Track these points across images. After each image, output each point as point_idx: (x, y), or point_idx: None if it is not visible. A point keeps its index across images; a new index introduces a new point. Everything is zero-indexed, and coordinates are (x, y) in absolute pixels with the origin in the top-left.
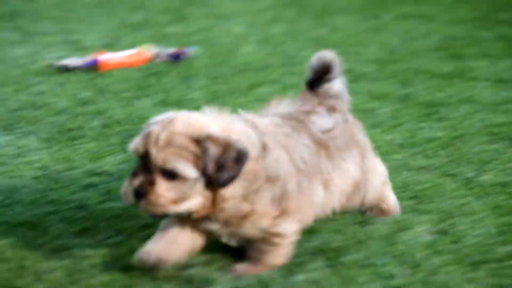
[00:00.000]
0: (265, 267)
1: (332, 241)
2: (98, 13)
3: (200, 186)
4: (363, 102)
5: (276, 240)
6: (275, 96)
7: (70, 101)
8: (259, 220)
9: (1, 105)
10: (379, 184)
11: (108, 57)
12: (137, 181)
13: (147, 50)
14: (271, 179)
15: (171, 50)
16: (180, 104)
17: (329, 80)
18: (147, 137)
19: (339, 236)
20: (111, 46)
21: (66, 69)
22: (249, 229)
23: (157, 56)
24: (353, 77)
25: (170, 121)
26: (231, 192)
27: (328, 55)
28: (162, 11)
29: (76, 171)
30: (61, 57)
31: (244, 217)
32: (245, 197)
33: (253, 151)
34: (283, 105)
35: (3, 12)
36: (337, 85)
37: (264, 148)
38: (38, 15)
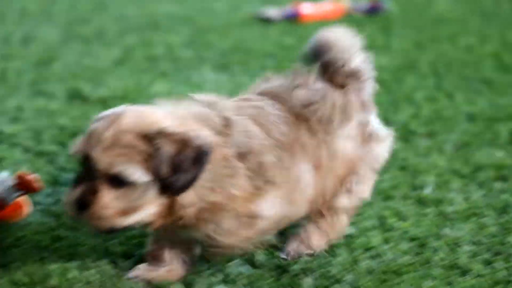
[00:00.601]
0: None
1: None
2: None
3: (153, 192)
4: None
5: (251, 221)
6: (270, 72)
7: (274, 47)
8: (236, 205)
9: (211, 49)
10: (372, 177)
11: (308, 10)
12: (78, 191)
13: (344, 3)
14: (242, 155)
15: (366, 3)
16: (385, 50)
17: (339, 63)
18: (89, 137)
19: None
20: None
21: (267, 20)
22: (224, 218)
23: (353, 9)
24: None
25: (116, 117)
26: (192, 197)
27: (333, 36)
28: None
29: None
30: (261, 9)
31: (216, 207)
32: (214, 186)
33: (214, 137)
34: (268, 82)
35: None
36: (355, 61)
37: (227, 122)
38: None
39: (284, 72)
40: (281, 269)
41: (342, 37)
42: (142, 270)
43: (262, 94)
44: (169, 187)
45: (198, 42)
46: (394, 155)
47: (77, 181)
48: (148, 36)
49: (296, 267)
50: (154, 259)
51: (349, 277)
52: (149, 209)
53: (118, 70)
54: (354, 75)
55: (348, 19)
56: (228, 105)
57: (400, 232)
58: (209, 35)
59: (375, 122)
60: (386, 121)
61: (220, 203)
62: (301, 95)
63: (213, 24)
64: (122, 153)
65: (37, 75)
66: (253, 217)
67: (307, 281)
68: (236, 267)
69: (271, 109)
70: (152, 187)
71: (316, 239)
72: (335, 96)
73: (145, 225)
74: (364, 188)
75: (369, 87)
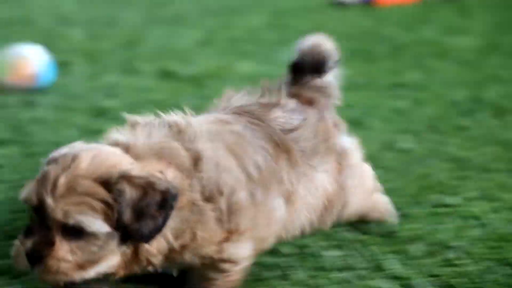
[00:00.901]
0: None
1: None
2: None
3: (115, 242)
4: None
5: (226, 266)
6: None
7: (353, 29)
8: (201, 248)
9: (291, 31)
10: (365, 195)
11: None
12: (30, 242)
13: None
14: (211, 197)
15: None
16: (464, 32)
17: (319, 72)
18: (41, 182)
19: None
20: None
21: (343, 5)
22: (190, 258)
23: None
24: None
25: (72, 159)
26: (160, 243)
27: (325, 42)
28: None
29: None
30: None
31: (183, 248)
32: (180, 233)
33: (181, 178)
34: (238, 98)
35: None
36: (327, 77)
37: (196, 158)
38: None
39: (254, 87)
40: (388, 235)
41: (321, 47)
42: None
43: (238, 113)
44: (132, 235)
45: (277, 25)
46: (489, 130)
47: (29, 230)
48: (227, 19)
49: (403, 233)
50: None
51: (459, 243)
52: (111, 260)
53: (202, 51)
54: (323, 90)
55: (424, 3)
56: (200, 131)
57: (505, 202)
58: (288, 18)
59: (346, 142)
60: (475, 99)
61: (189, 245)
62: (279, 118)
63: (291, 8)
64: (79, 202)
65: (126, 55)
66: (225, 261)
67: (417, 246)
68: (342, 233)
69: (251, 137)
70: (114, 236)
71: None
72: (313, 118)
73: (107, 276)
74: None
75: (334, 104)
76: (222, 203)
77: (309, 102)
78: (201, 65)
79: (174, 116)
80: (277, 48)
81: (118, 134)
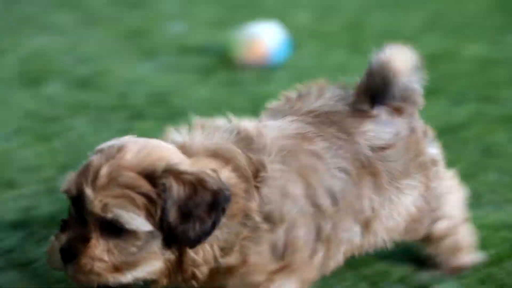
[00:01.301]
0: None
1: None
2: None
3: (157, 244)
4: None
5: None
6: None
7: None
8: (251, 275)
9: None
10: (457, 202)
11: None
12: (65, 237)
13: None
14: (270, 219)
15: None
16: None
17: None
18: (83, 172)
19: None
20: None
21: None
22: (235, 285)
23: None
24: None
25: (118, 150)
26: (206, 252)
27: (393, 59)
28: None
29: None
30: None
31: (230, 270)
32: (229, 248)
33: (239, 183)
34: (324, 98)
35: None
36: (409, 81)
37: (259, 169)
38: None
39: (331, 84)
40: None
41: (401, 58)
42: None
43: (324, 122)
44: (177, 238)
45: (504, 8)
46: None
47: (66, 225)
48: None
49: None
50: None
51: None
52: (151, 264)
53: (427, 34)
54: (410, 98)
55: None
56: (272, 146)
57: None
58: None
59: (434, 151)
60: None
61: (236, 268)
62: (369, 131)
63: None
64: (120, 194)
65: (352, 37)
66: None
67: None
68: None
69: (332, 157)
70: (156, 237)
71: None
72: (404, 131)
73: (147, 283)
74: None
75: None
76: (280, 233)
77: (398, 111)
78: (428, 47)
79: (247, 122)
80: (504, 32)
81: (176, 134)
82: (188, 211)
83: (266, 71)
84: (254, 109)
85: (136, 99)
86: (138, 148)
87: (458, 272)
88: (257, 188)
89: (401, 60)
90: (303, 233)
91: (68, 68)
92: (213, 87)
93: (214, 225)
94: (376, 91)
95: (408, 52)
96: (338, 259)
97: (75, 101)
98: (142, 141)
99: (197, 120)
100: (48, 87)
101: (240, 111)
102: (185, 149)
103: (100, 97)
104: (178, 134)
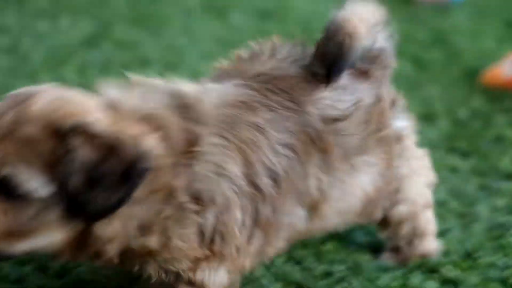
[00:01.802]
0: None
1: None
2: None
3: (57, 212)
4: None
5: None
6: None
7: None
8: (173, 261)
9: None
10: (422, 186)
11: None
12: None
13: None
14: (200, 200)
15: None
16: None
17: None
18: None
19: None
20: None
21: None
22: (154, 271)
23: None
24: None
25: (26, 98)
26: (116, 229)
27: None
28: None
29: None
30: None
31: (149, 254)
32: (147, 228)
33: (167, 156)
34: (276, 59)
35: None
36: (379, 40)
37: (193, 141)
38: None
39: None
40: None
41: (363, 16)
42: None
43: (271, 90)
44: (81, 207)
45: None
46: None
47: None
48: None
49: None
50: None
51: None
52: (49, 235)
53: None
54: (378, 59)
55: None
56: (211, 116)
57: None
58: None
59: (402, 124)
60: None
61: (156, 252)
62: (324, 99)
63: None
64: (17, 150)
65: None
66: (193, 285)
67: None
68: None
69: (275, 133)
70: (56, 205)
71: None
72: (367, 99)
73: (49, 254)
74: None
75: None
76: (211, 215)
77: (364, 75)
78: None
79: (187, 86)
80: None
81: (111, 89)
82: (95, 179)
83: (446, 7)
84: (434, 42)
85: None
86: (49, 99)
87: (409, 261)
88: (188, 163)
89: (362, 19)
90: (237, 216)
91: (250, 1)
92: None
93: (123, 199)
94: (333, 60)
95: (371, 7)
96: (278, 245)
97: (258, 30)
98: (58, 91)
99: (135, 77)
100: (232, 17)
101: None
102: (114, 108)
103: (283, 27)
104: (113, 89)
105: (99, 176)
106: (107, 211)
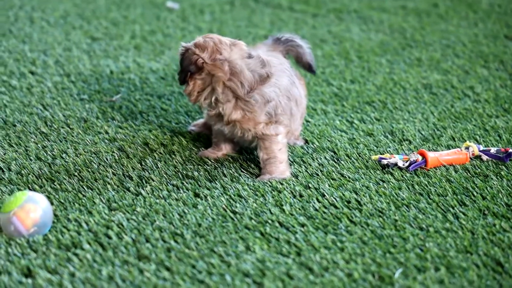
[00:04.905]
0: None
1: None
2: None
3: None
4: None
5: (269, 138)
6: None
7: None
8: (250, 124)
9: None
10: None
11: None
12: None
13: (468, 148)
14: (264, 99)
15: (496, 148)
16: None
17: None
18: None
19: None
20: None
21: (387, 166)
22: (240, 131)
23: (480, 155)
24: None
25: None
26: (191, 87)
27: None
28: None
29: None
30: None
31: (234, 122)
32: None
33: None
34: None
35: None
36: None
37: (267, 77)
38: None
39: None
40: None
41: None
42: (207, 151)
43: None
44: (179, 78)
45: None
46: None
47: None
48: None
49: None
50: (216, 146)
51: None
52: (189, 87)
53: None
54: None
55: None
56: (275, 67)
57: None
58: None
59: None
60: None
61: (236, 118)
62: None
63: None
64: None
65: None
66: (268, 136)
67: None
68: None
69: (285, 72)
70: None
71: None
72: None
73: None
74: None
75: None
76: (270, 107)
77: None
78: None
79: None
80: None
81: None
82: (180, 67)
83: None
84: None
85: None
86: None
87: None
88: (263, 81)
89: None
90: (282, 104)
91: None
92: None
93: (182, 79)
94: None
95: None
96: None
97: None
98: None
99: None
100: None
101: None
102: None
103: None
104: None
105: (180, 66)
106: (181, 82)
